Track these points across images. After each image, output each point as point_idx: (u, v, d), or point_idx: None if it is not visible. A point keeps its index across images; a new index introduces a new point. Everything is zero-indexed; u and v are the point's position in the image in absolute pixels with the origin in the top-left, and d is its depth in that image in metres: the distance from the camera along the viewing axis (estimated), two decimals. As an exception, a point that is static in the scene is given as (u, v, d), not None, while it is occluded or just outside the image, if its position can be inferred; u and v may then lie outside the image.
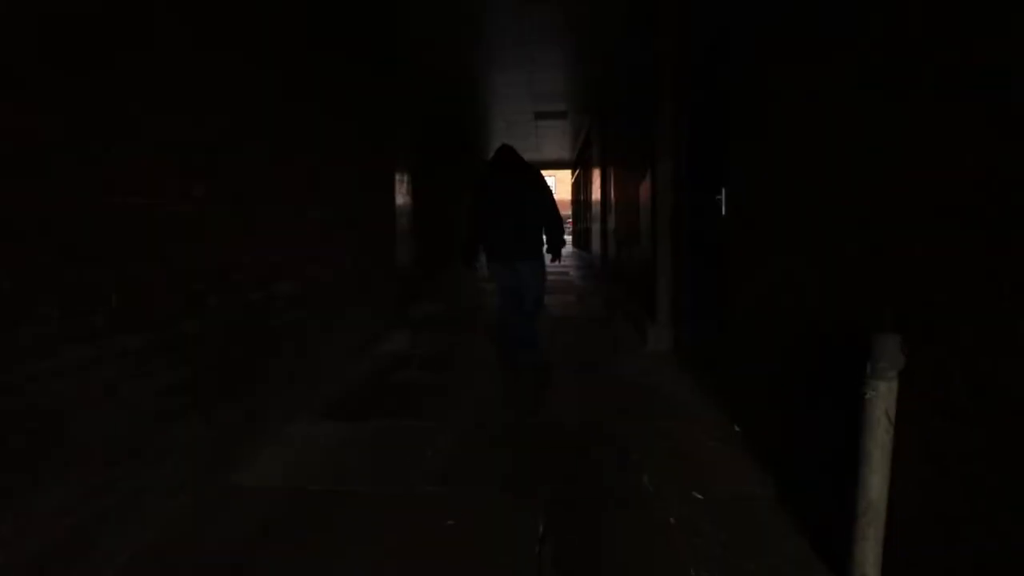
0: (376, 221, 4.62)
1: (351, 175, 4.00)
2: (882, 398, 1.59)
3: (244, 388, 2.51)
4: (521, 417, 3.09)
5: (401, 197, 6.76)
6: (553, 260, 4.42)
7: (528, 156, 16.55)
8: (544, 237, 4.19)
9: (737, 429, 2.79)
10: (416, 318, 5.91)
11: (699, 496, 2.17)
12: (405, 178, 7.09)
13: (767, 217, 2.42)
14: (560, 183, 28.87)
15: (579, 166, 16.34)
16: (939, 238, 1.39)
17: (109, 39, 1.78)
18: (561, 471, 2.42)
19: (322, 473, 2.44)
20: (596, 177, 10.44)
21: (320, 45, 3.46)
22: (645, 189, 5.11)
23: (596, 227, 10.75)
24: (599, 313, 6.35)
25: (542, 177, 4.15)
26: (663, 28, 4.34)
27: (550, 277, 4.40)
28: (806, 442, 2.04)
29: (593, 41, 6.20)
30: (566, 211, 24.07)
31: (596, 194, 10.48)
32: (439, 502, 2.19)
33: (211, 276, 2.28)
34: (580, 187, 16.16)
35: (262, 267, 2.68)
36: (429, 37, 6.34)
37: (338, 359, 3.65)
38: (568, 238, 20.31)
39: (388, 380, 3.74)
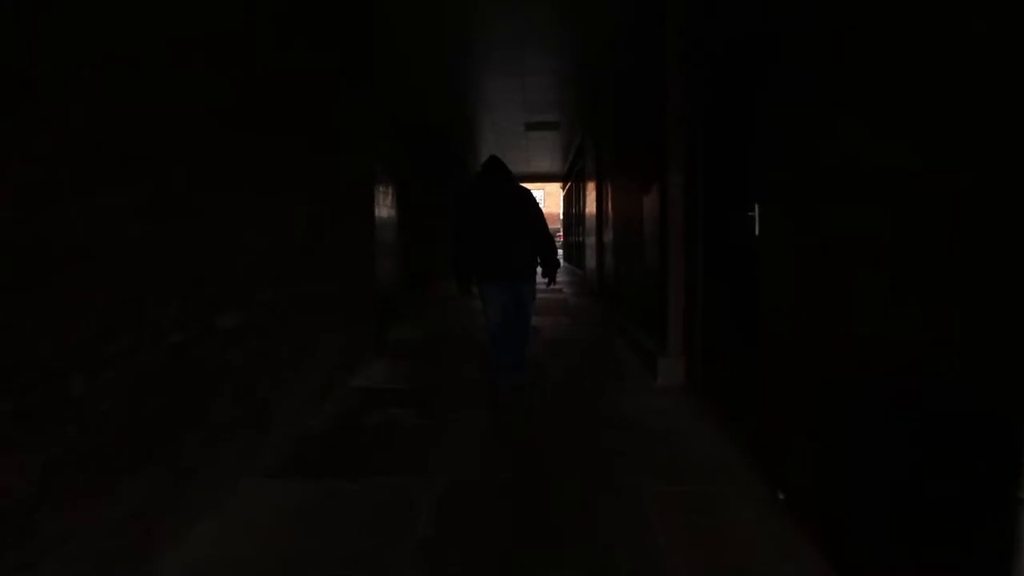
0: (352, 234, 4.11)
1: (322, 183, 3.49)
2: (1054, 511, 1.10)
3: (165, 451, 1.97)
4: (518, 473, 2.57)
5: (383, 208, 6.27)
6: (549, 283, 4.17)
7: (518, 169, 16.16)
8: (537, 257, 3.99)
9: (781, 497, 2.29)
10: (397, 344, 5.37)
11: (755, 607, 1.66)
12: (389, 188, 6.60)
13: (836, 236, 1.94)
14: (549, 196, 28.52)
15: (570, 179, 15.94)
16: None
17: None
18: (568, 557, 1.90)
19: (268, 557, 1.91)
20: (591, 189, 9.99)
21: (285, 41, 2.96)
22: (651, 202, 4.64)
23: (591, 240, 10.29)
24: (597, 337, 5.85)
25: (531, 194, 3.98)
26: (673, 19, 3.89)
27: (541, 295, 4.11)
28: (906, 541, 1.53)
29: (590, 39, 5.75)
30: (555, 224, 23.68)
31: (591, 207, 10.03)
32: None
33: (116, 314, 1.75)
34: (572, 200, 15.76)
35: (195, 296, 2.15)
36: (414, 39, 5.88)
37: (301, 398, 3.10)
38: (560, 251, 19.86)
39: (360, 423, 3.19)
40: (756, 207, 2.68)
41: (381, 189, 6.24)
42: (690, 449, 2.83)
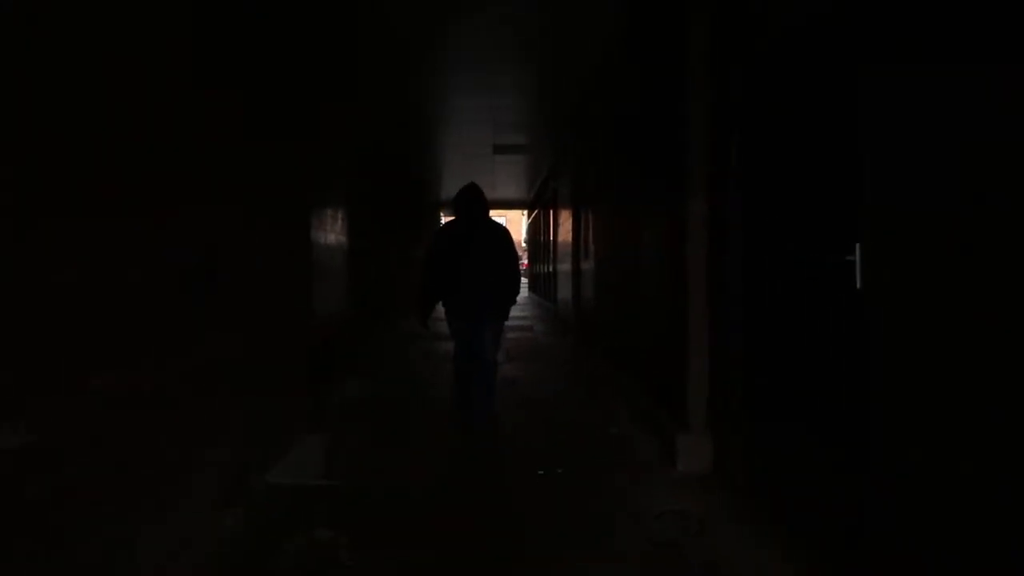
0: (277, 269, 3.12)
1: (231, 202, 2.51)
2: None
3: None
4: None
5: (331, 235, 5.28)
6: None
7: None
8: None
9: None
10: (343, 407, 4.32)
11: None
12: (339, 213, 5.62)
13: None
14: (510, 223, 27.91)
15: (537, 206, 15.24)
16: None
17: None
18: None
19: None
20: (566, 217, 9.22)
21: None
22: (655, 233, 3.82)
23: (565, 269, 9.46)
24: (583, 394, 4.92)
25: (508, 232, 4.00)
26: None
27: (509, 335, 4.34)
28: None
29: (579, 42, 4.97)
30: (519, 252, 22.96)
31: (565, 235, 9.24)
32: None
33: None
34: (539, 228, 15.01)
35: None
36: (373, 50, 5.04)
37: (176, 524, 2.06)
38: (524, 280, 19.07)
39: (262, 566, 2.13)
40: (858, 248, 1.86)
41: (328, 213, 5.27)
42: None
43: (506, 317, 4.00)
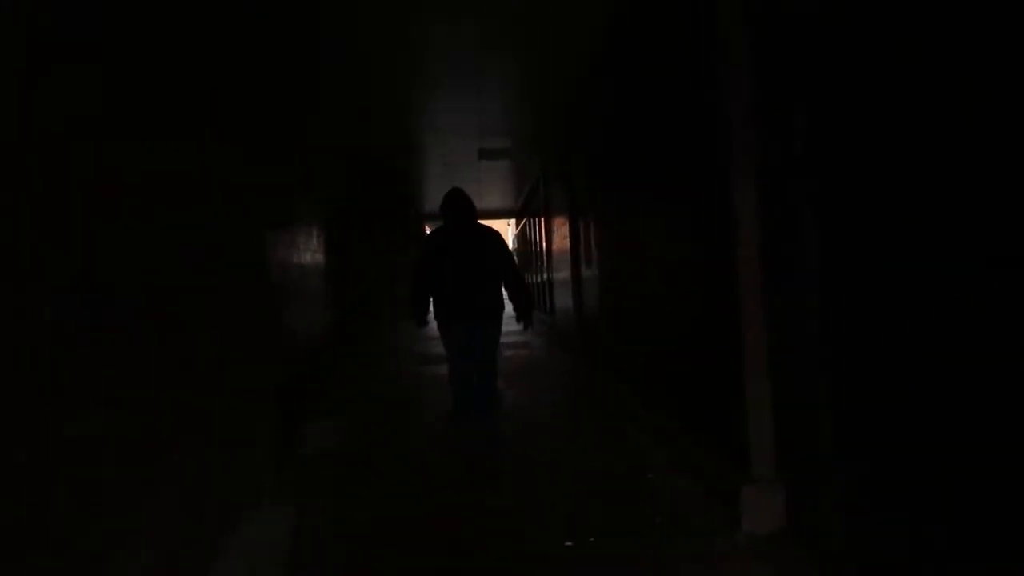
0: (226, 290, 2.44)
1: (151, 220, 1.84)
2: None
3: None
4: None
5: (307, 254, 4.63)
6: (525, 327, 4.09)
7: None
8: (504, 299, 3.96)
9: None
10: (316, 457, 3.60)
11: None
12: (313, 230, 4.95)
13: None
14: (499, 233, 27.25)
15: (526, 214, 14.63)
16: None
17: None
18: None
19: None
20: (561, 223, 8.58)
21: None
22: (692, 228, 3.19)
23: (563, 278, 8.80)
24: (602, 426, 4.25)
25: (498, 233, 3.98)
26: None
27: (506, 352, 4.23)
28: None
29: (575, 39, 4.39)
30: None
31: (562, 241, 8.60)
32: None
33: None
34: (531, 236, 14.37)
35: None
36: (352, 46, 4.44)
37: None
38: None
39: None
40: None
41: (303, 230, 4.62)
42: None
43: (528, 321, 3.98)
